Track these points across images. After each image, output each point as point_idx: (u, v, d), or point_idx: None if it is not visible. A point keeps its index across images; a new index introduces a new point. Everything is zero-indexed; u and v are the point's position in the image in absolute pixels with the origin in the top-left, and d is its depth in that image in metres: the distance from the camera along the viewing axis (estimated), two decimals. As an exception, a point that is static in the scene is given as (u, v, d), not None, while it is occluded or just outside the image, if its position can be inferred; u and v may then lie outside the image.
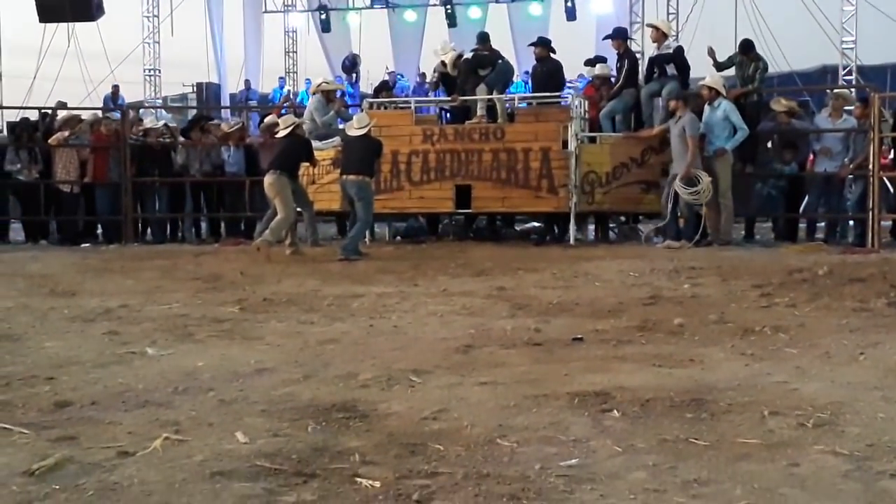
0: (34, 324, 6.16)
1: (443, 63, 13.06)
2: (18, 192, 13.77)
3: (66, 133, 13.27)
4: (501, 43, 20.39)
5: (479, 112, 12.19)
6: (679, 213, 11.04)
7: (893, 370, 4.38)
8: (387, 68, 22.11)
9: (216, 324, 6.05)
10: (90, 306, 6.85)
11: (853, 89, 15.60)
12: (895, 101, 12.39)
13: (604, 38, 13.52)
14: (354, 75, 24.16)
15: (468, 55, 12.57)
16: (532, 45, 13.22)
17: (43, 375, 4.48)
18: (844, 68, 20.53)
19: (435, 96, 13.90)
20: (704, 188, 10.76)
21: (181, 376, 4.45)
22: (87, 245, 13.01)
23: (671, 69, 11.84)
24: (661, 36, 12.18)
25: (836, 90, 13.08)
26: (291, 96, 24.59)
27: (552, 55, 12.90)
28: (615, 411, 3.70)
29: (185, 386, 4.25)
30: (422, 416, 3.68)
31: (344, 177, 10.75)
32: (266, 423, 3.62)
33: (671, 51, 12.15)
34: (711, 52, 12.13)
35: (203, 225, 14.47)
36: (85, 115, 14.19)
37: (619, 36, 12.69)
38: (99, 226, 14.10)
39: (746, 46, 12.29)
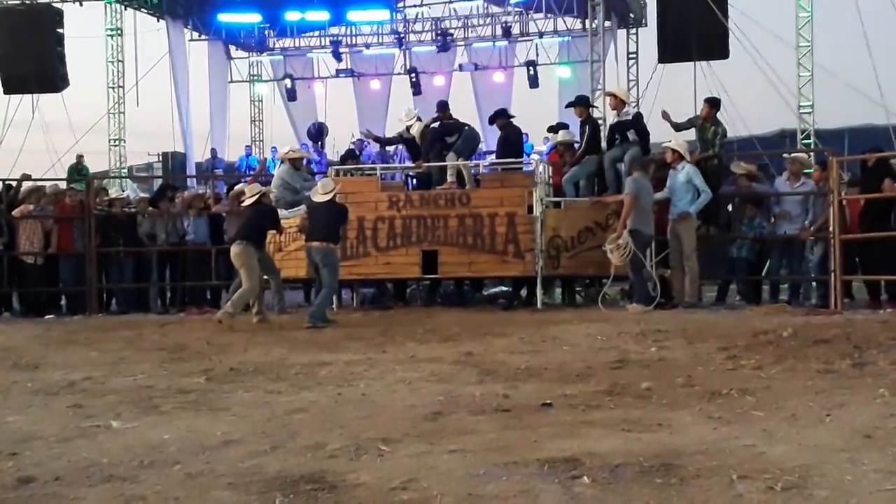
0: (-4, 398, 6.07)
1: (407, 129, 13.19)
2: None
3: (31, 207, 13.19)
4: (466, 110, 20.71)
5: (448, 179, 12.28)
6: (636, 275, 11.14)
7: (859, 432, 4.41)
8: (353, 136, 22.26)
9: (182, 395, 5.99)
10: (54, 379, 6.77)
11: (812, 153, 15.90)
12: (853, 165, 12.61)
13: (566, 106, 13.73)
14: (321, 143, 24.30)
15: (435, 124, 12.70)
16: (491, 121, 13.43)
17: (6, 451, 4.41)
18: (802, 132, 20.92)
19: (398, 159, 14.04)
20: (622, 247, 10.83)
21: (146, 450, 4.39)
22: (51, 316, 12.87)
23: (632, 135, 12.01)
24: (619, 103, 12.39)
25: (792, 154, 13.27)
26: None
27: (512, 121, 13.14)
28: (585, 478, 3.70)
29: (150, 459, 4.20)
30: (391, 486, 3.66)
31: (309, 243, 10.76)
32: (233, 496, 3.58)
33: (630, 117, 12.35)
34: (666, 115, 12.33)
35: (168, 294, 14.33)
36: (49, 186, 14.10)
37: (581, 103, 12.89)
38: (63, 297, 13.94)
39: (713, 102, 12.53)
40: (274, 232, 11.47)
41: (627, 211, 10.90)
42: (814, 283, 11.84)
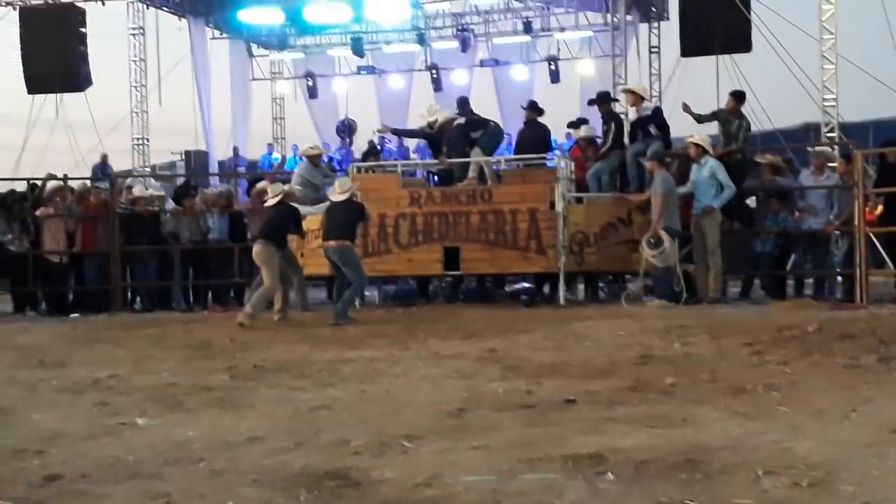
0: (23, 396, 6.11)
1: (429, 125, 13.16)
2: (6, 262, 13.70)
3: (51, 210, 13.30)
4: (487, 106, 20.65)
5: (470, 174, 12.26)
6: (645, 272, 11.09)
7: (886, 427, 4.37)
8: (374, 132, 22.27)
9: (206, 392, 6.01)
10: (79, 377, 6.80)
11: (836, 146, 15.77)
12: (878, 158, 12.50)
13: (589, 103, 13.69)
14: (350, 140, 24.34)
15: (460, 120, 12.66)
16: (524, 107, 13.38)
17: (32, 449, 4.44)
18: (827, 126, 20.72)
19: (421, 155, 14.03)
20: (666, 250, 10.80)
21: (171, 447, 4.41)
22: (76, 315, 12.95)
23: (653, 129, 11.96)
24: (637, 99, 12.34)
25: (816, 148, 13.15)
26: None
27: (539, 119, 13.09)
28: (609, 474, 3.68)
29: (175, 457, 4.21)
30: (415, 482, 3.66)
31: (325, 243, 10.76)
32: (258, 493, 3.59)
33: (649, 112, 12.29)
34: (686, 108, 12.22)
35: (191, 293, 14.38)
36: (74, 185, 14.21)
37: (604, 99, 12.84)
38: (87, 295, 14.01)
39: (738, 95, 12.43)
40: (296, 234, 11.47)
41: (661, 211, 10.83)
42: (839, 278, 11.76)
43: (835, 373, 5.98)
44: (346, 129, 24.47)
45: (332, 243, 10.62)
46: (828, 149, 13.34)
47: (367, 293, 12.74)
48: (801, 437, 4.25)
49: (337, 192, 10.90)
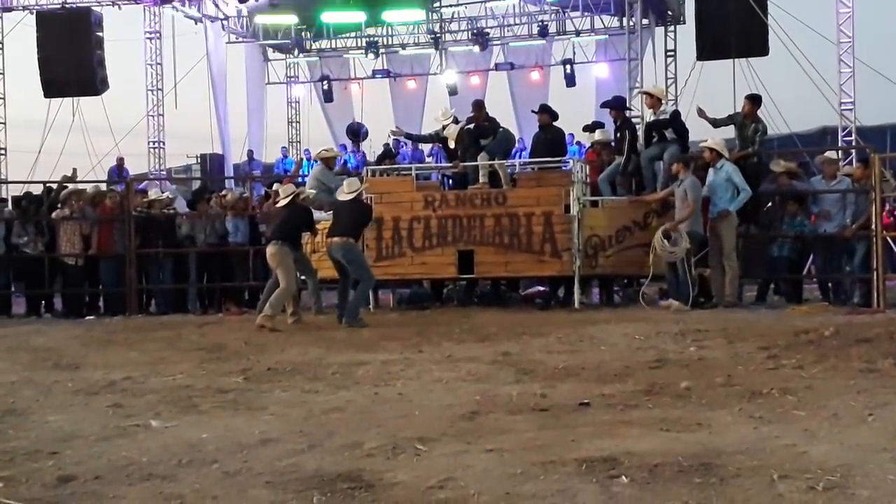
0: (38, 398, 6.14)
1: (443, 128, 13.16)
2: (22, 265, 13.77)
3: (67, 212, 13.36)
4: (502, 110, 20.64)
5: (481, 179, 12.25)
6: (684, 274, 11.01)
7: (903, 431, 4.34)
8: (389, 136, 22.22)
9: (220, 394, 6.03)
10: (94, 379, 6.84)
11: (853, 150, 15.69)
12: (895, 162, 12.42)
13: (602, 106, 13.64)
14: (355, 143, 24.33)
15: (469, 126, 12.65)
16: (535, 112, 13.34)
17: (46, 450, 4.46)
18: (844, 129, 20.62)
19: (436, 159, 14.01)
20: (680, 248, 10.75)
21: (185, 448, 4.42)
22: (91, 317, 13.00)
23: (670, 133, 11.90)
24: (656, 102, 12.27)
25: (824, 155, 12.95)
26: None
27: (554, 123, 13.04)
28: (623, 477, 3.67)
29: (189, 458, 4.22)
30: (428, 485, 3.65)
31: (328, 240, 10.78)
32: (271, 494, 3.59)
33: (668, 115, 12.24)
34: (702, 113, 12.15)
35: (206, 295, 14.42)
36: (89, 188, 14.27)
37: (618, 106, 12.77)
38: (102, 298, 14.07)
39: (755, 99, 12.39)
40: (309, 233, 11.50)
41: (690, 213, 10.80)
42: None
43: (851, 377, 5.94)
44: (352, 133, 24.42)
45: (335, 240, 10.64)
46: (833, 154, 13.11)
47: (381, 295, 12.72)
48: (816, 441, 4.23)
49: (345, 192, 10.92)
